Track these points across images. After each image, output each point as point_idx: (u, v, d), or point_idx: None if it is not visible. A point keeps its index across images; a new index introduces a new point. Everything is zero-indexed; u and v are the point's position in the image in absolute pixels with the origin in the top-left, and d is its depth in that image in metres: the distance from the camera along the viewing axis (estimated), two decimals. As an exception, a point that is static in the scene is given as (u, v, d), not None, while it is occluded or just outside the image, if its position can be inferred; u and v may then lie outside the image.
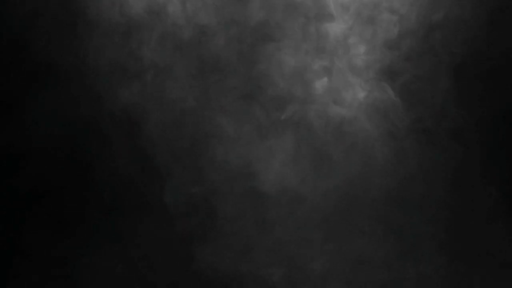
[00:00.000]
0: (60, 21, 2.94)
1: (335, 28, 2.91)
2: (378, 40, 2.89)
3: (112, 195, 2.86)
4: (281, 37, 2.91)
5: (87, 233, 2.85)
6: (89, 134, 2.90)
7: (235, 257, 2.82)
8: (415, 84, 2.87)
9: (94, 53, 2.92)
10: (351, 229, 2.82)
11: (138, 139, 2.89)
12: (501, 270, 2.77)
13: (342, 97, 2.89)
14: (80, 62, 2.92)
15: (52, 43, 2.93)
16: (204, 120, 2.89)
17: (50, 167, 2.90)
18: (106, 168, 2.88)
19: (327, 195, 2.84)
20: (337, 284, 2.79)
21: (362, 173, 2.85)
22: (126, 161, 2.88)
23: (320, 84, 2.89)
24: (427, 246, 2.79)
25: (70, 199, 2.87)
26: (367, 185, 2.85)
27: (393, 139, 2.85)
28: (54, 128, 2.91)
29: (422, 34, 2.88)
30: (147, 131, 2.89)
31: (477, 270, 2.77)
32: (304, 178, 2.86)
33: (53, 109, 2.91)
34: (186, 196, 2.86)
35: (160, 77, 2.91)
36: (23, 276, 2.83)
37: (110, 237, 2.84)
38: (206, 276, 2.81)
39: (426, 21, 2.87)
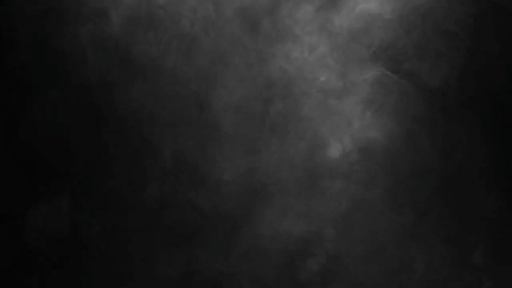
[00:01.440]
0: (65, 17, 2.94)
1: (336, 15, 2.88)
2: (378, 22, 2.86)
3: (114, 194, 2.87)
4: (283, 30, 2.89)
5: (88, 233, 2.86)
6: (92, 133, 2.91)
7: (235, 257, 2.83)
8: (418, 65, 2.85)
9: (98, 49, 2.92)
10: (357, 226, 2.83)
11: (140, 138, 2.89)
12: (501, 266, 2.78)
13: (343, 85, 2.87)
14: (85, 57, 2.92)
15: (59, 38, 2.94)
16: (206, 117, 2.89)
17: (51, 166, 2.91)
18: (107, 167, 2.89)
19: (330, 189, 2.84)
20: (340, 285, 2.81)
21: (364, 162, 2.84)
22: (128, 160, 2.88)
23: (321, 74, 2.88)
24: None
25: (72, 198, 2.88)
26: (370, 172, 2.84)
27: (396, 124, 2.84)
28: (56, 126, 2.91)
29: (424, 15, 2.85)
30: (149, 129, 2.89)
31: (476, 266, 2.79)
32: (307, 174, 2.85)
33: (56, 107, 2.92)
34: (188, 196, 2.86)
35: (162, 74, 2.90)
36: (24, 277, 2.85)
37: (111, 237, 2.85)
38: (206, 276, 2.82)
39: None
